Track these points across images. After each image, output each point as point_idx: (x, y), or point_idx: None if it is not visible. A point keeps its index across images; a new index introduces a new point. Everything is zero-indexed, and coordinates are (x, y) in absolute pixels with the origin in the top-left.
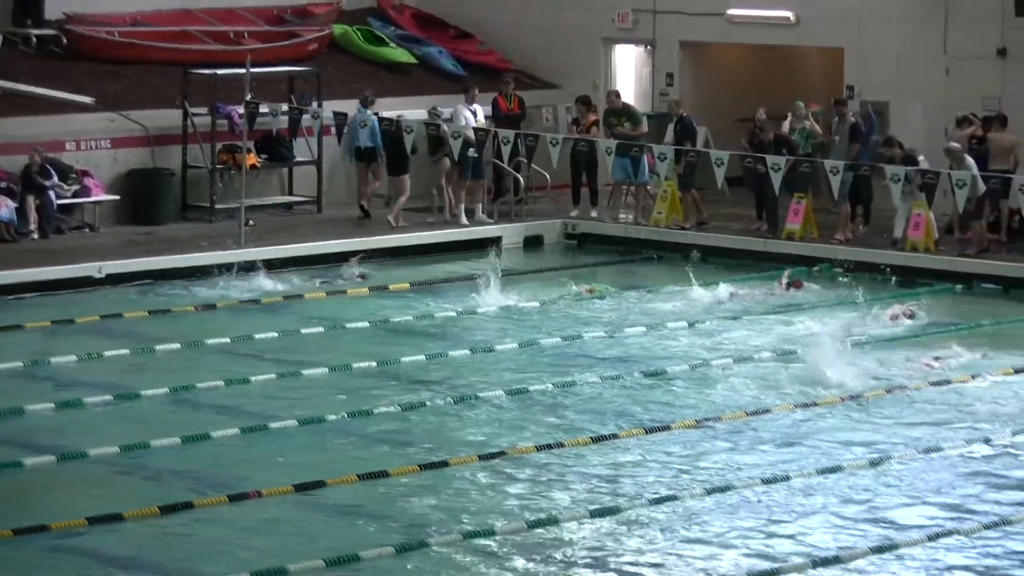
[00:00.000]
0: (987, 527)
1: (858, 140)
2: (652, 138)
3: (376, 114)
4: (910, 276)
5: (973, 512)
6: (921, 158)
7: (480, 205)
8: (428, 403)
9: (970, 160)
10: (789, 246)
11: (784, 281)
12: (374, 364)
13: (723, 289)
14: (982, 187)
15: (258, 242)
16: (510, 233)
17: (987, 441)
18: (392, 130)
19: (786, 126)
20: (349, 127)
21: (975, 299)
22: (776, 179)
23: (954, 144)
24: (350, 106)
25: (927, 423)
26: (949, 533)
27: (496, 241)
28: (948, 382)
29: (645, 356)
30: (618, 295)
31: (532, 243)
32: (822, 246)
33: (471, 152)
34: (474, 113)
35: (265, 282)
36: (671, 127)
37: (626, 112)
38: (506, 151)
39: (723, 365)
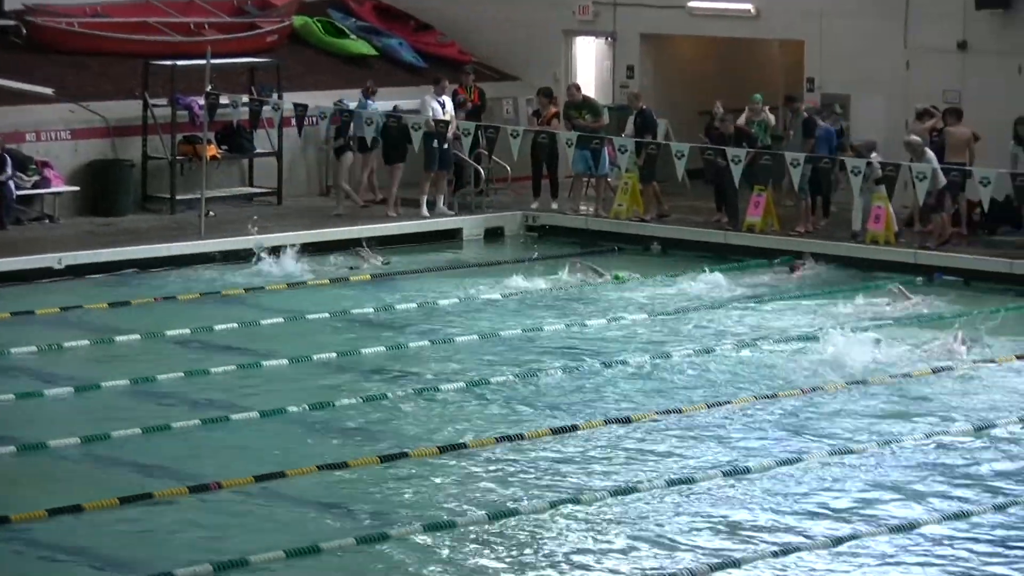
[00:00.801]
0: (948, 518)
1: (812, 135)
2: (613, 130)
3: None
4: (870, 269)
5: (936, 504)
6: (874, 155)
7: (442, 196)
8: (389, 395)
9: (930, 153)
10: (750, 238)
11: (797, 267)
12: (334, 355)
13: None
14: (943, 180)
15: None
16: (471, 225)
17: (947, 434)
18: (389, 121)
19: (743, 119)
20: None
21: (936, 291)
22: (736, 172)
23: (914, 137)
24: (310, 98)
25: (890, 415)
26: (911, 526)
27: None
28: (909, 375)
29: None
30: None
31: (492, 235)
32: (783, 238)
33: (435, 144)
34: (442, 105)
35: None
36: (631, 119)
37: (587, 104)
38: (466, 143)
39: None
